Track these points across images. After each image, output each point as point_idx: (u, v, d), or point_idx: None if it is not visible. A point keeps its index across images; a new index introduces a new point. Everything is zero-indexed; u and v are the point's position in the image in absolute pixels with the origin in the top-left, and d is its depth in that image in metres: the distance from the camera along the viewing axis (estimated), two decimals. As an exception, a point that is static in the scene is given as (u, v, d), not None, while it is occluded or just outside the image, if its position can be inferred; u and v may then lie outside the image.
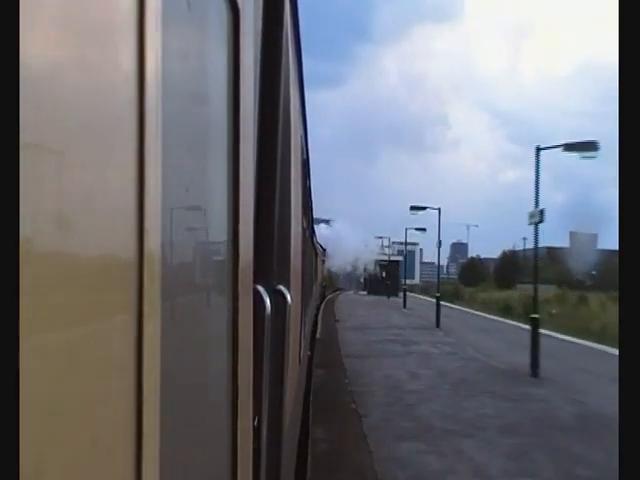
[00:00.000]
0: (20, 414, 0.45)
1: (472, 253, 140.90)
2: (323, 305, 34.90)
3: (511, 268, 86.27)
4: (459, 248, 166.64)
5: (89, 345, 0.58)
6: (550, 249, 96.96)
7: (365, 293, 61.50)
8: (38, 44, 0.49)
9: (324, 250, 60.85)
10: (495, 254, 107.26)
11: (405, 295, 42.46)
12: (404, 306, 40.01)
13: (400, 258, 59.25)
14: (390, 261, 58.41)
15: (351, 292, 69.28)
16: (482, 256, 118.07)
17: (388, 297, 48.99)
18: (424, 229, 38.78)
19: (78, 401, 0.55)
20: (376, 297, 52.55)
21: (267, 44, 2.04)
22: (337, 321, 27.58)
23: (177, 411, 0.93)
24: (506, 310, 40.96)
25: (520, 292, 54.41)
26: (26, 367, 0.46)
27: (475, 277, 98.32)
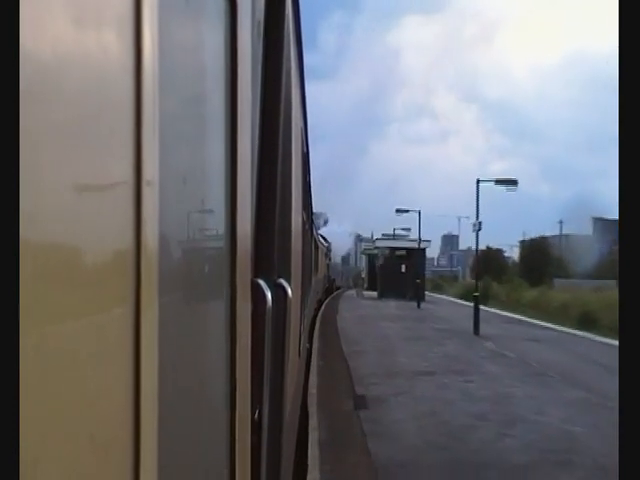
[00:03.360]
0: (20, 406, 0.49)
1: (463, 245, 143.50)
2: (320, 327, 23.38)
3: (542, 259, 72.47)
4: (450, 240, 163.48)
5: (87, 336, 0.63)
6: (568, 237, 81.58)
7: (375, 295, 45.37)
8: (36, 35, 0.53)
9: (328, 244, 56.16)
10: (488, 245, 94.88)
11: (478, 309, 24.18)
12: (475, 331, 23.24)
13: (428, 245, 43.96)
14: (413, 250, 42.87)
15: (352, 292, 54.00)
16: (473, 248, 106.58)
17: (418, 305, 34.27)
18: (514, 181, 23.94)
19: (76, 392, 0.60)
20: (393, 302, 38.11)
21: (268, 36, 2.20)
22: (363, 409, 10.59)
23: (175, 403, 1.00)
24: (586, 320, 28.59)
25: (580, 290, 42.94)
26: (25, 359, 0.50)
27: (491, 270, 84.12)
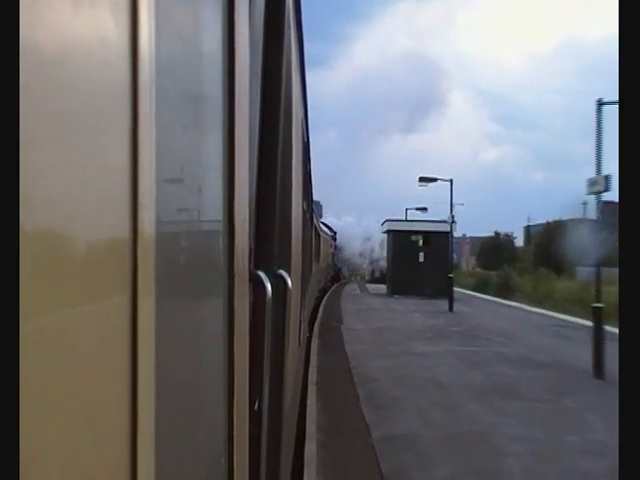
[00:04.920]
0: (20, 396, 0.51)
1: (458, 232, 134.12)
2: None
3: (563, 245, 62.85)
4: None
5: (84, 324, 0.66)
6: (580, 221, 74.33)
7: (383, 290, 35.71)
8: (34, 23, 0.55)
9: (334, 233, 53.28)
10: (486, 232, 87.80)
11: (601, 332, 12.43)
12: (597, 371, 12.48)
13: (455, 227, 33.91)
14: (434, 233, 33.15)
15: (355, 287, 44.53)
16: (468, 235, 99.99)
17: (450, 307, 24.80)
18: None
19: (73, 382, 0.63)
20: (411, 301, 27.92)
21: (268, 24, 2.26)
22: None
23: (172, 392, 1.02)
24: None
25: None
26: (24, 348, 0.52)
27: (501, 259, 75.44)
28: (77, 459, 0.63)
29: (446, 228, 33.25)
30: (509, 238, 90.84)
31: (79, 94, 0.63)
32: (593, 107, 13.04)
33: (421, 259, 35.13)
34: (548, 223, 78.88)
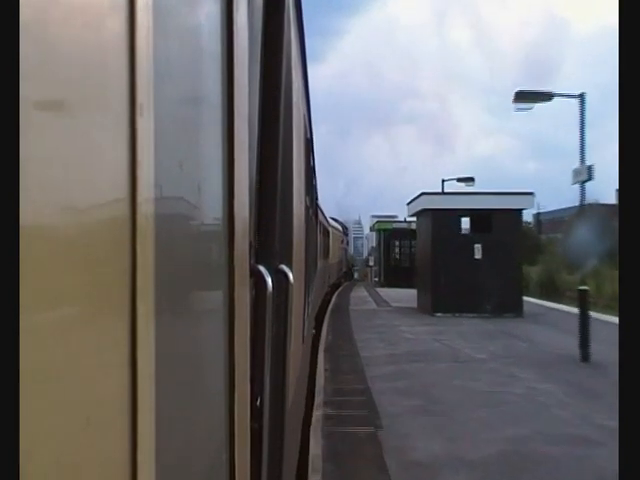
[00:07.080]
0: (20, 394, 0.53)
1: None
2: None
3: (604, 234, 48.88)
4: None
5: (83, 320, 0.67)
6: (596, 206, 61.32)
7: (405, 300, 22.49)
8: (34, 18, 0.56)
9: (345, 229, 52.11)
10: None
11: None
12: None
13: (531, 205, 20.65)
14: (498, 212, 20.02)
15: (365, 294, 31.50)
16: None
17: (585, 354, 12.13)
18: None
19: (73, 379, 0.65)
20: (470, 326, 14.98)
21: (269, 21, 2.30)
22: None
23: (172, 388, 1.04)
24: None
25: None
26: (24, 347, 0.53)
27: (524, 251, 60.81)
28: (76, 452, 0.64)
29: (517, 204, 20.72)
30: (528, 226, 78.15)
31: (79, 90, 0.64)
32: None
33: (477, 255, 21.42)
34: (582, 206, 66.02)
